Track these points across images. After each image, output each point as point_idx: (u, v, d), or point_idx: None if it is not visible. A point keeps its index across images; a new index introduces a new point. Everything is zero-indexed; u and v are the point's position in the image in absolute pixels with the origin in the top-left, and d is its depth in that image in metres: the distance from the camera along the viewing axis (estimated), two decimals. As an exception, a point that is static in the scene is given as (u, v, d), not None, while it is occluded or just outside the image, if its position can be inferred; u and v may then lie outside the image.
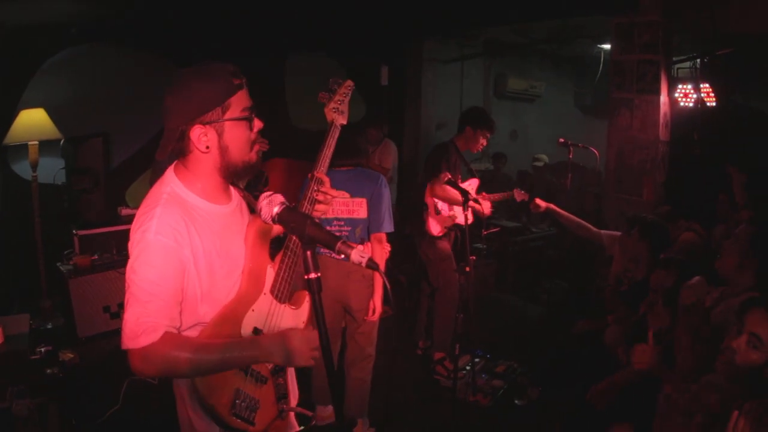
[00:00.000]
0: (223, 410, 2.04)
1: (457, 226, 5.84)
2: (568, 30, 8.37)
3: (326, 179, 2.37)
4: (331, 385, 1.81)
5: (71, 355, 5.10)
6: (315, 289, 1.70)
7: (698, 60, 6.88)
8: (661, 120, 6.12)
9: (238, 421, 2.08)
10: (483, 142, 5.78)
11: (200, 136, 1.97)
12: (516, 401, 5.16)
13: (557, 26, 8.33)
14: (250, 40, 7.55)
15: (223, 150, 2.02)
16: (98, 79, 6.92)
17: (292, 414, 2.46)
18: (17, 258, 6.36)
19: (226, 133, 2.00)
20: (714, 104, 6.47)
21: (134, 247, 1.94)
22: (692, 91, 6.38)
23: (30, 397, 2.59)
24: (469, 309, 4.80)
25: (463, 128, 5.79)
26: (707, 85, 6.44)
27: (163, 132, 2.03)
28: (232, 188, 2.28)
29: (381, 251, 4.39)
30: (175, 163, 2.11)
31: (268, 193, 1.85)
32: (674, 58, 6.43)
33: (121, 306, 5.97)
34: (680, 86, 6.40)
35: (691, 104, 6.41)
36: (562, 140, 5.99)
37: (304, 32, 8.29)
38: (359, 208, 4.24)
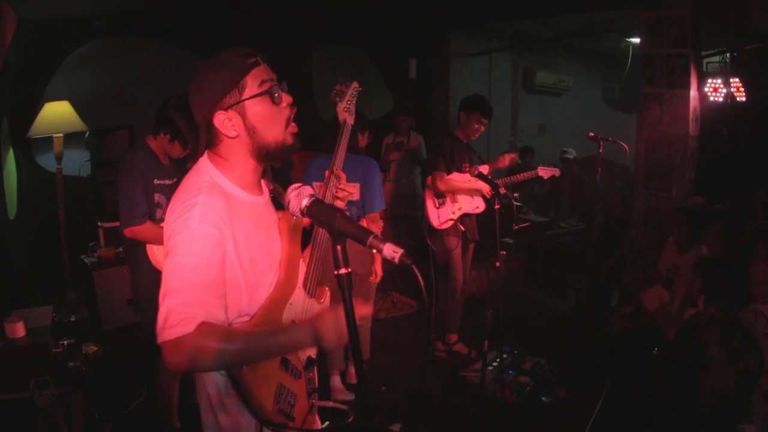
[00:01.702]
0: (268, 405, 1.98)
1: (466, 215, 5.86)
2: (596, 24, 8.28)
3: (343, 175, 2.43)
4: (360, 383, 1.76)
5: (95, 348, 5.10)
6: (345, 285, 1.64)
7: (727, 54, 6.77)
8: (691, 115, 6.03)
9: (281, 416, 2.03)
10: (477, 127, 5.70)
11: (224, 122, 1.91)
12: (543, 398, 5.10)
13: (586, 20, 8.24)
14: (277, 33, 7.54)
15: (250, 131, 1.94)
16: (123, 72, 6.93)
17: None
18: (42, 250, 6.39)
19: (248, 113, 1.92)
20: (744, 99, 6.36)
21: (174, 237, 1.81)
22: (722, 86, 6.29)
23: (54, 387, 2.57)
24: (497, 305, 4.75)
25: (458, 116, 5.80)
26: (737, 80, 6.33)
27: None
28: (263, 182, 2.19)
29: (376, 229, 4.78)
30: (206, 152, 2.03)
31: (297, 185, 1.80)
32: (703, 53, 6.32)
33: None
34: (710, 81, 6.31)
35: (720, 99, 6.31)
36: (592, 134, 5.91)
37: (332, 24, 8.28)
38: (353, 191, 4.34)
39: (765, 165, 5.79)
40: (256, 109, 1.92)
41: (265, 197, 2.17)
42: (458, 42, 9.75)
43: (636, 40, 8.47)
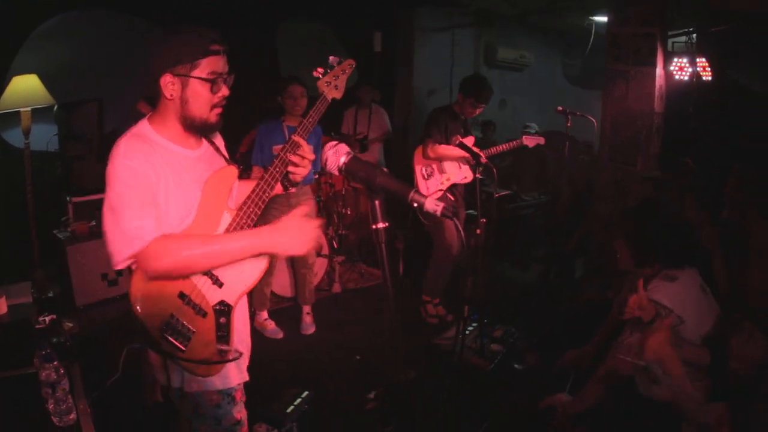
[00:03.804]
0: (154, 331, 2.13)
1: (455, 186, 5.98)
2: (561, 1, 8.37)
3: (303, 143, 2.50)
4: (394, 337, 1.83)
5: (70, 325, 5.07)
6: (381, 239, 1.71)
7: (694, 35, 6.92)
8: (657, 92, 6.19)
9: (165, 342, 2.16)
10: (472, 110, 5.81)
11: (167, 84, 2.21)
12: (515, 365, 5.22)
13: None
14: (244, 6, 7.49)
15: (183, 102, 2.25)
16: (91, 45, 6.84)
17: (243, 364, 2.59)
18: (10, 227, 6.31)
19: (189, 88, 2.23)
20: (710, 78, 6.51)
21: (107, 178, 2.12)
22: (688, 65, 6.42)
23: (58, 359, 2.57)
24: (477, 272, 4.85)
25: (458, 93, 5.88)
26: (703, 59, 6.48)
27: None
28: (204, 140, 2.49)
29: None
30: (150, 113, 2.33)
31: (333, 143, 1.87)
32: (670, 32, 6.46)
33: (119, 273, 5.98)
34: (676, 59, 6.44)
35: (686, 77, 6.45)
36: (560, 108, 6.00)
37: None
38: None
39: (729, 142, 5.97)
40: (195, 88, 2.24)
41: (200, 151, 2.43)
42: (423, 17, 9.80)
43: (599, 18, 8.60)
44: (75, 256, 5.73)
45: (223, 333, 2.34)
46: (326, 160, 1.84)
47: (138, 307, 2.11)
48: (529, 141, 5.87)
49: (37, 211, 5.96)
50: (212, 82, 2.23)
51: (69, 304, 5.73)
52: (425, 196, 1.71)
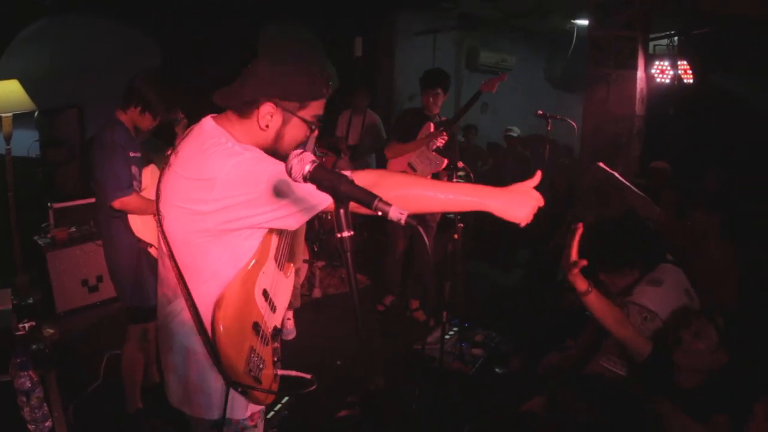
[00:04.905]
0: (240, 366, 2.07)
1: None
2: (543, 4, 8.40)
3: None
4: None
5: (51, 331, 5.06)
6: (348, 247, 1.68)
7: (675, 38, 6.96)
8: (638, 95, 6.20)
9: (250, 378, 2.11)
10: (427, 99, 5.78)
11: (266, 114, 2.02)
12: (496, 369, 5.22)
13: (535, 0, 8.35)
14: (225, 10, 7.48)
15: (278, 136, 2.08)
16: (73, 50, 6.80)
17: None
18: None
19: (289, 125, 2.07)
20: (691, 81, 6.54)
21: (245, 175, 1.92)
22: (669, 68, 6.45)
23: (33, 368, 2.56)
24: (456, 276, 4.85)
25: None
26: (685, 62, 6.51)
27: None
28: None
29: None
30: (215, 117, 2.11)
31: (299, 151, 1.83)
32: (652, 35, 6.49)
33: (99, 279, 5.96)
34: (657, 62, 6.47)
35: (667, 80, 6.48)
36: (540, 112, 5.98)
37: (279, 2, 8.22)
38: None
39: (711, 144, 6.01)
40: (295, 128, 2.09)
41: None
42: (404, 21, 9.80)
43: (581, 22, 8.63)
44: (55, 263, 5.71)
45: (278, 356, 2.35)
46: (291, 168, 1.80)
47: (224, 344, 2.03)
48: (487, 86, 5.67)
49: (18, 217, 5.92)
50: (311, 127, 2.12)
51: (49, 310, 5.71)
52: (389, 204, 1.68)
